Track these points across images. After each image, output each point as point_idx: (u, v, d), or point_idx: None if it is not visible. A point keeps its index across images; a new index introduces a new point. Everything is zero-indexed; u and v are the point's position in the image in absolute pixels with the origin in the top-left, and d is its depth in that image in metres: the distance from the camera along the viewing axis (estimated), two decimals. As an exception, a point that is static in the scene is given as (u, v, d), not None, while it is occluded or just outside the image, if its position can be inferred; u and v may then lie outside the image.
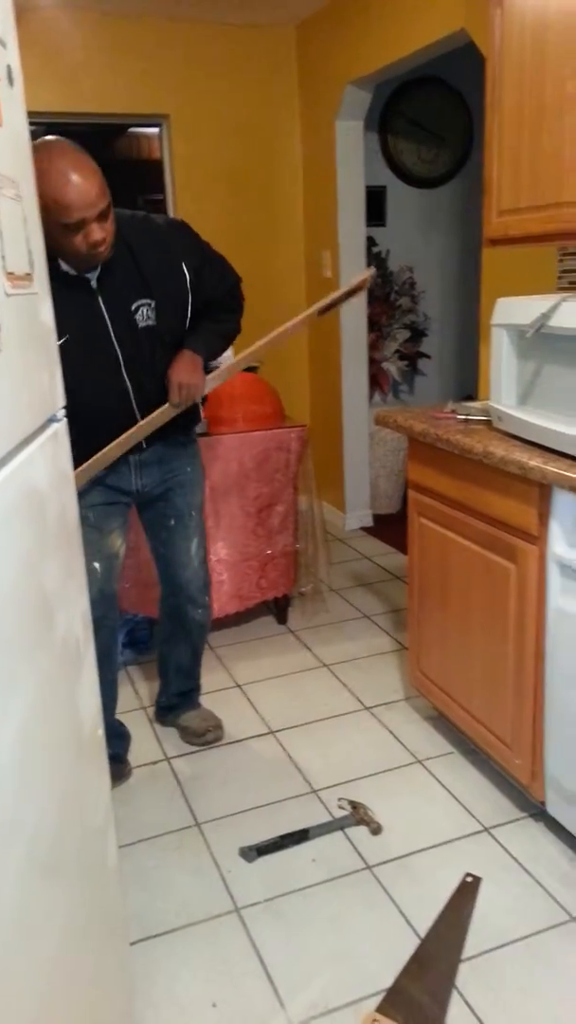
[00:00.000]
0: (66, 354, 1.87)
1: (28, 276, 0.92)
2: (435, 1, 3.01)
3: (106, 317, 1.97)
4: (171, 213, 4.29)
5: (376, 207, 4.62)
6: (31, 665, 0.89)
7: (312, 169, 4.28)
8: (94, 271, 1.93)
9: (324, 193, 4.16)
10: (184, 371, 2.04)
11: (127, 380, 2.03)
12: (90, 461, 2.01)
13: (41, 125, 3.70)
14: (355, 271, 4.17)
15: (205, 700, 2.62)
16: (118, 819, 1.47)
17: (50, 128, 4.03)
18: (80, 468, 1.94)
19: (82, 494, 2.04)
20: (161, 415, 2.07)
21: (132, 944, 1.69)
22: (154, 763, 2.39)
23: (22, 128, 0.95)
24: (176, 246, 2.05)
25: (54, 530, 1.01)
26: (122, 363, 2.01)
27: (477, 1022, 1.54)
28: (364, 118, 4.00)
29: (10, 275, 0.84)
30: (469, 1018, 1.54)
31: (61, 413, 1.10)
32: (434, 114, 4.64)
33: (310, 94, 4.17)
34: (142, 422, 2.06)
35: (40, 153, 1.66)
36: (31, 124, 1.03)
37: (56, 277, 1.83)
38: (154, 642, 2.57)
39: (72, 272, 1.90)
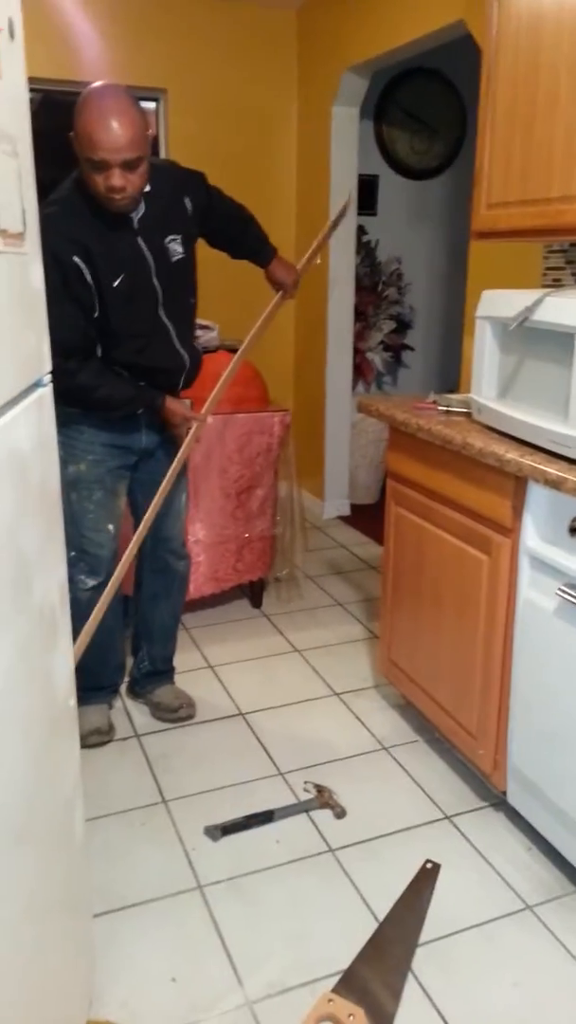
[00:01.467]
0: (117, 296, 1.98)
1: (20, 235, 0.91)
2: (436, -9, 3.01)
3: (147, 254, 2.07)
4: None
5: (368, 195, 4.62)
6: (8, 629, 0.89)
7: (306, 153, 4.26)
8: (137, 211, 2.02)
9: (317, 178, 4.15)
10: (288, 269, 2.42)
11: (166, 320, 2.15)
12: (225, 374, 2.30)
13: (37, 92, 3.65)
14: (345, 259, 4.17)
15: (177, 680, 2.62)
16: (86, 793, 1.47)
17: (47, 96, 3.99)
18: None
19: (96, 460, 2.15)
20: (276, 307, 2.40)
21: (95, 916, 1.70)
22: (124, 739, 2.39)
23: (21, 84, 0.93)
24: (187, 186, 2.20)
25: (35, 495, 1.00)
26: (161, 302, 2.12)
27: (431, 1004, 1.56)
28: (360, 105, 3.99)
29: (3, 232, 0.83)
30: (423, 1000, 1.57)
31: (47, 378, 1.10)
32: (429, 106, 4.64)
33: (308, 78, 4.15)
34: (262, 317, 2.35)
35: (95, 89, 1.85)
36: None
37: (100, 216, 1.93)
38: (129, 615, 2.57)
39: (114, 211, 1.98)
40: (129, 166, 1.86)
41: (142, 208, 2.03)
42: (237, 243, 2.37)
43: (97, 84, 1.88)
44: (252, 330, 2.36)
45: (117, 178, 1.86)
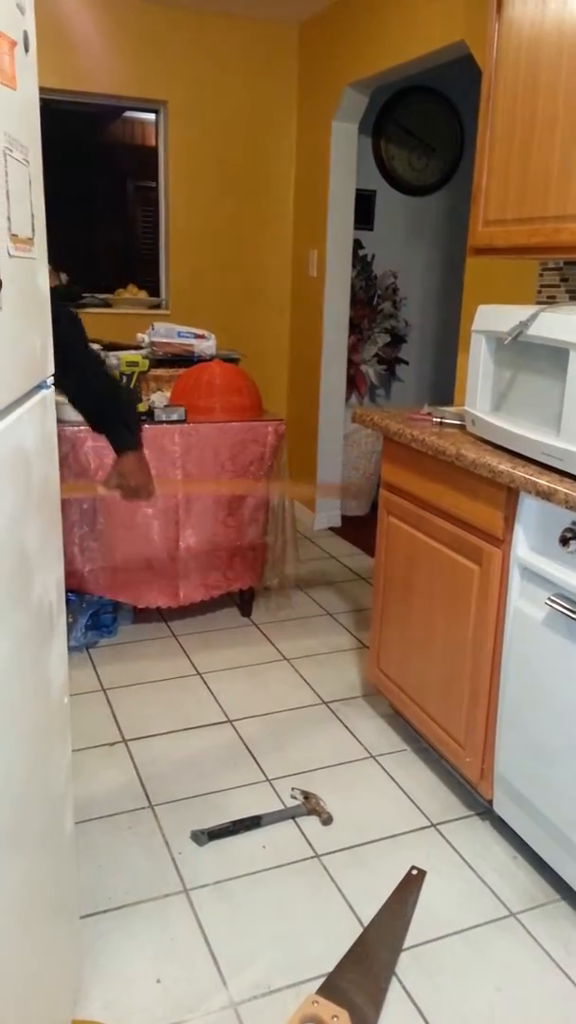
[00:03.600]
0: None
1: (30, 240, 0.94)
2: (437, 11, 3.06)
3: None
4: (163, 201, 4.29)
5: (365, 210, 4.67)
6: (8, 623, 0.91)
7: (305, 168, 4.31)
8: None
9: (315, 192, 4.19)
10: (137, 473, 2.02)
11: None
12: None
13: (39, 101, 3.69)
14: (341, 272, 4.21)
15: (166, 686, 2.63)
16: (73, 797, 1.48)
17: (47, 104, 4.03)
18: None
19: None
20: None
21: (81, 918, 1.70)
22: (111, 744, 2.40)
23: (33, 94, 0.96)
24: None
25: (37, 493, 1.02)
26: None
27: (414, 1007, 1.57)
28: (359, 121, 4.05)
29: (14, 237, 0.86)
30: (407, 1004, 1.58)
31: (50, 380, 1.12)
32: (427, 123, 4.70)
33: (308, 93, 4.21)
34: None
35: None
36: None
37: None
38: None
39: None
40: None
41: None
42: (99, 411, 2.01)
43: None
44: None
45: None
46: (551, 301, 2.59)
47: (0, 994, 1.00)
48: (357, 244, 4.56)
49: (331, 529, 4.52)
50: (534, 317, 1.81)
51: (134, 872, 1.90)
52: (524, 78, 2.08)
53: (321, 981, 1.62)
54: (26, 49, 0.91)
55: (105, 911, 1.78)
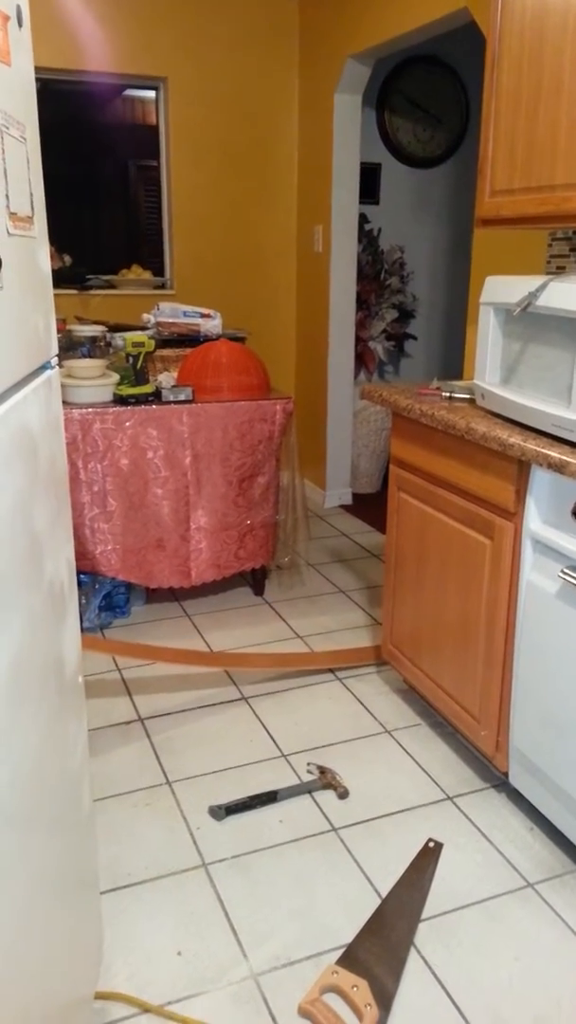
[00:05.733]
0: None
1: (29, 219, 0.93)
2: (439, -22, 3.00)
3: None
4: (165, 180, 4.26)
5: (370, 184, 4.62)
6: (21, 603, 0.91)
7: (308, 142, 4.26)
8: None
9: (319, 167, 4.15)
10: None
11: None
12: None
13: (37, 81, 3.66)
14: (347, 247, 4.17)
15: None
16: (91, 775, 1.50)
17: (45, 85, 4.00)
18: None
19: None
20: None
21: (102, 893, 1.73)
22: (127, 723, 2.42)
23: (29, 71, 0.95)
24: None
25: (45, 474, 1.03)
26: None
27: (433, 977, 1.59)
28: (363, 93, 3.99)
29: (13, 215, 0.85)
30: (426, 973, 1.60)
31: (54, 361, 1.11)
32: (432, 94, 4.63)
33: (310, 65, 4.15)
34: None
35: None
36: (36, 69, 1.03)
37: None
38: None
39: None
40: None
41: None
42: None
43: None
44: None
45: None
46: (560, 271, 2.56)
47: (25, 967, 1.02)
48: (363, 219, 4.52)
49: (342, 507, 4.51)
50: (543, 287, 1.79)
51: (153, 848, 1.92)
52: (529, 43, 2.04)
53: (340, 952, 1.64)
54: (20, 24, 0.90)
55: (126, 886, 1.80)
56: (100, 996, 1.53)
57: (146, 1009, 1.51)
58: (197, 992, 1.55)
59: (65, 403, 2.76)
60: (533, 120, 2.05)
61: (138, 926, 1.70)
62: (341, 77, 3.85)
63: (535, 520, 1.84)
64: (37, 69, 3.66)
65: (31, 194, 0.96)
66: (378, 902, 1.77)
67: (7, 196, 0.84)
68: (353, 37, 3.70)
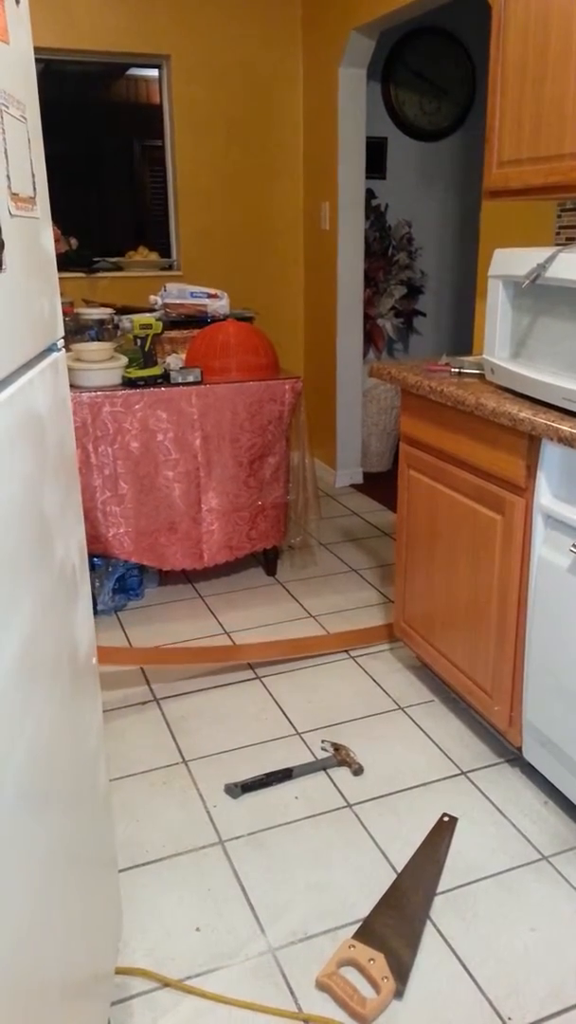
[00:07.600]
0: None
1: (31, 199, 0.93)
2: (443, -55, 2.95)
3: None
4: (170, 159, 4.23)
5: (377, 159, 4.57)
6: (33, 584, 0.92)
7: (313, 117, 4.21)
8: None
9: (325, 142, 4.10)
10: None
11: None
12: None
13: (39, 62, 3.63)
14: (355, 224, 4.14)
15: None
16: (107, 755, 1.51)
17: (47, 66, 3.97)
18: None
19: None
20: None
21: (120, 871, 1.75)
22: (143, 703, 2.44)
23: (28, 49, 0.94)
24: None
25: (53, 457, 1.03)
26: None
27: (449, 950, 1.60)
28: (367, 66, 3.94)
29: (14, 196, 0.85)
30: (442, 945, 1.61)
31: (61, 343, 1.11)
32: (437, 66, 4.57)
33: (314, 39, 4.09)
34: None
35: None
36: (35, 47, 1.02)
37: None
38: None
39: None
40: None
41: None
42: None
43: None
44: None
45: None
46: (570, 242, 2.53)
47: (46, 944, 1.03)
48: (370, 194, 4.47)
49: (353, 486, 4.50)
50: (552, 259, 1.77)
51: (170, 826, 1.94)
52: (535, 9, 2.00)
53: (357, 926, 1.65)
54: (17, 2, 0.89)
55: (144, 864, 1.82)
56: (120, 971, 1.55)
57: (165, 984, 1.53)
58: (216, 967, 1.57)
59: (74, 387, 2.77)
60: (540, 89, 2.02)
61: (157, 903, 1.72)
62: (345, 51, 3.80)
63: (546, 495, 1.83)
64: (39, 50, 3.63)
65: (33, 174, 0.96)
66: (394, 876, 1.79)
67: (8, 176, 0.83)
68: (357, 10, 3.64)
